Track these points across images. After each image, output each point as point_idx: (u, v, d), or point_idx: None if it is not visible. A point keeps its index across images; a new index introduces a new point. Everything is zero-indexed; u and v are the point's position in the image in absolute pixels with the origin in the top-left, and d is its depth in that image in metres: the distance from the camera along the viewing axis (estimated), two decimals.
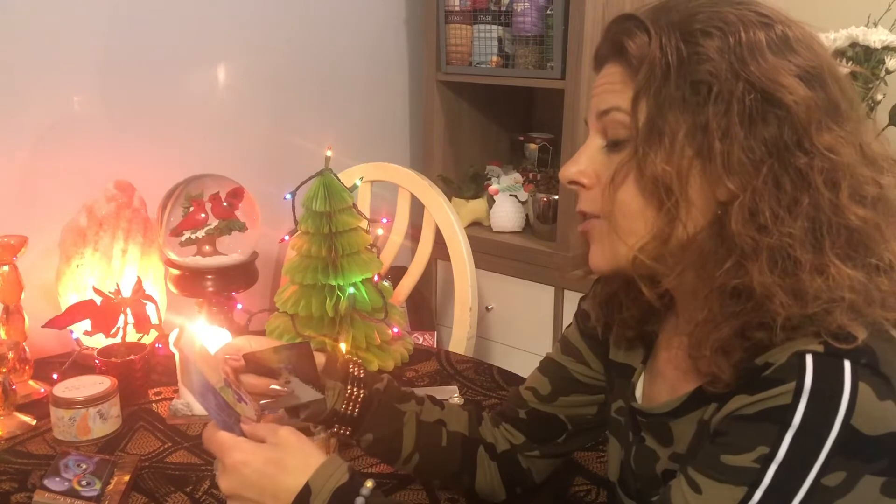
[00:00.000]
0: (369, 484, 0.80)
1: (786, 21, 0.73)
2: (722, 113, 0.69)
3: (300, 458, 0.80)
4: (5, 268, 1.41)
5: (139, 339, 1.48)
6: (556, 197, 2.17)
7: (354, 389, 0.97)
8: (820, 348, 0.66)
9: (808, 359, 0.66)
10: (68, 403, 1.22)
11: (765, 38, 0.70)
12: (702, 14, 0.72)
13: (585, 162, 0.78)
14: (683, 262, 0.73)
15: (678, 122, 0.71)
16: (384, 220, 1.70)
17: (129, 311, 1.48)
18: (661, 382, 0.85)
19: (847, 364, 0.65)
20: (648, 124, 0.72)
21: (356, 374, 0.99)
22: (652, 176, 0.71)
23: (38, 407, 1.32)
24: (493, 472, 1.02)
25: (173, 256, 1.62)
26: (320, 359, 0.98)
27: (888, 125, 1.79)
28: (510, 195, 2.31)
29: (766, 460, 0.66)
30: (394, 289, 1.66)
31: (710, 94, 0.70)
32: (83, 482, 1.05)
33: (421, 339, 2.08)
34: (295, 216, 1.50)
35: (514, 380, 1.46)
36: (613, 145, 0.76)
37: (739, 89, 0.69)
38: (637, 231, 0.74)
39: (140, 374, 1.39)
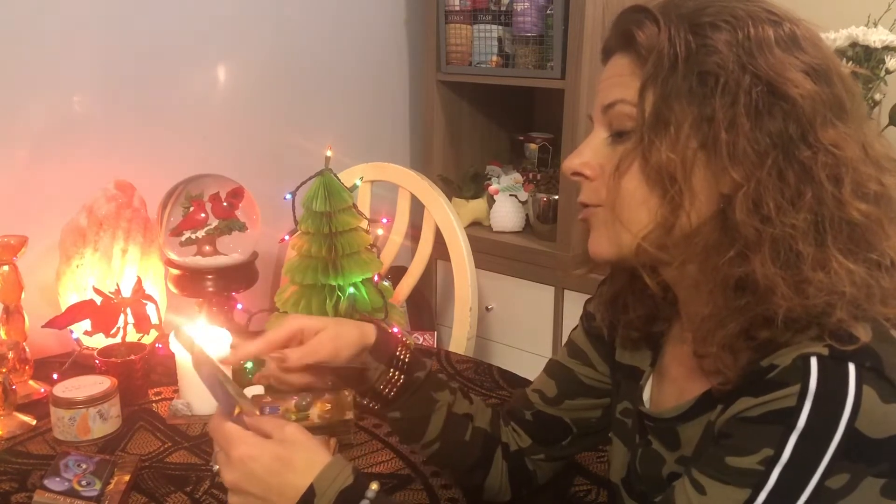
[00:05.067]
0: (374, 486, 0.80)
1: (794, 19, 0.73)
2: (728, 104, 0.69)
3: (307, 456, 0.80)
4: (5, 268, 1.40)
5: (139, 339, 1.48)
6: (556, 197, 2.17)
7: (396, 373, 0.97)
8: (824, 351, 0.66)
9: (813, 361, 0.66)
10: (68, 403, 1.21)
11: (773, 34, 0.71)
12: (711, 8, 0.72)
13: (589, 154, 0.78)
14: (686, 253, 0.74)
15: (684, 112, 0.71)
16: (384, 220, 1.70)
17: (129, 311, 1.48)
18: (669, 385, 0.85)
19: (851, 367, 0.65)
20: (655, 114, 0.72)
21: (402, 357, 0.97)
22: (656, 164, 0.71)
23: (38, 407, 1.32)
24: (503, 472, 1.02)
25: (173, 256, 1.62)
26: (370, 339, 0.96)
27: (888, 125, 1.79)
28: (510, 195, 2.31)
29: (771, 462, 0.66)
30: (394, 289, 1.66)
31: (716, 86, 0.70)
32: (83, 482, 1.05)
33: (421, 339, 2.08)
34: (295, 216, 1.50)
35: (514, 380, 1.46)
36: (618, 136, 0.76)
37: (746, 82, 0.69)
38: (640, 220, 0.74)
39: (140, 374, 1.39)
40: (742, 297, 0.70)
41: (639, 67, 0.74)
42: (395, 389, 0.97)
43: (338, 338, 0.93)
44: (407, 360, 0.97)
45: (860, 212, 0.69)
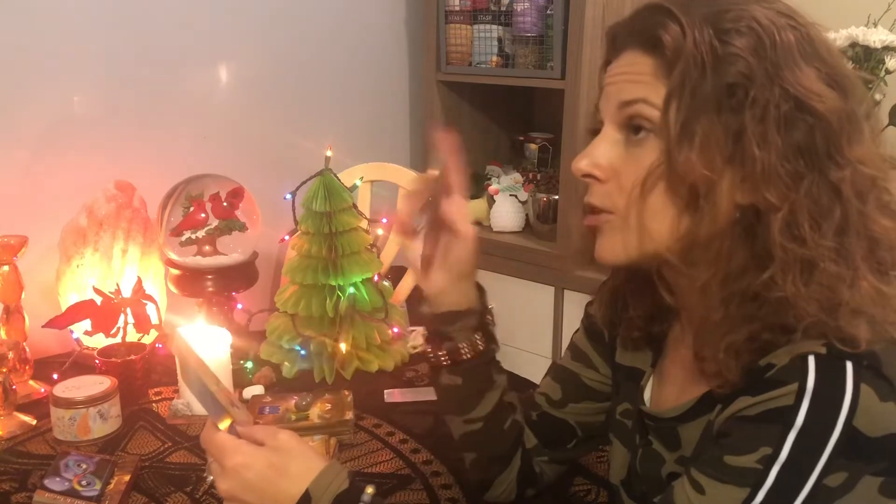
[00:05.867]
0: (370, 490, 0.80)
1: (807, 22, 0.73)
2: (758, 119, 0.68)
3: (302, 463, 0.80)
4: (5, 268, 1.41)
5: (139, 339, 1.48)
6: (556, 197, 2.16)
7: (480, 340, 0.97)
8: (822, 350, 0.66)
9: (811, 360, 0.66)
10: (68, 403, 1.21)
11: (795, 41, 0.70)
12: (731, 13, 0.71)
13: (600, 155, 0.76)
14: (702, 260, 0.73)
15: (713, 125, 0.69)
16: (384, 220, 1.70)
17: (129, 311, 1.48)
18: (670, 385, 0.85)
19: (849, 366, 0.66)
20: (682, 125, 0.70)
21: (490, 327, 0.98)
22: (683, 179, 0.70)
23: (38, 407, 1.32)
24: (516, 470, 1.02)
25: (173, 256, 1.62)
26: (476, 301, 0.96)
27: (888, 125, 1.79)
28: (510, 195, 2.31)
29: (769, 461, 0.66)
30: (394, 289, 1.66)
31: (746, 98, 0.69)
32: (83, 482, 1.05)
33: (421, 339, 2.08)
34: (295, 216, 1.51)
35: (514, 380, 1.45)
36: (633, 134, 0.74)
37: (775, 96, 0.68)
38: (662, 230, 0.73)
39: (140, 374, 1.39)
40: (757, 307, 0.70)
41: (661, 69, 0.72)
42: (472, 353, 0.96)
43: (474, 244, 0.92)
44: (492, 331, 0.98)
45: (882, 227, 0.70)
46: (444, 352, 0.96)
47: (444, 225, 0.91)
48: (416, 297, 2.17)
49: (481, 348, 0.96)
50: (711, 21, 0.70)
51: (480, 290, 0.98)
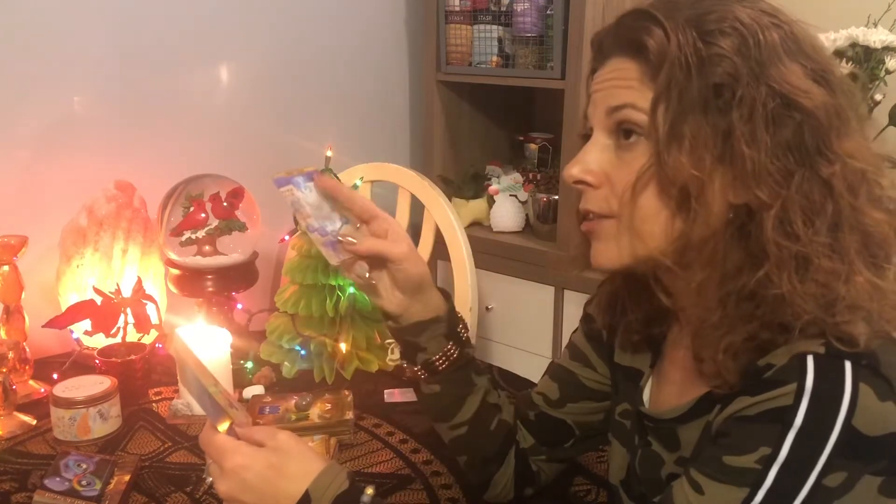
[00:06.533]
0: (370, 491, 0.80)
1: (790, 20, 0.73)
2: (746, 118, 0.69)
3: (301, 463, 0.80)
4: (5, 268, 1.41)
5: (139, 339, 1.48)
6: (556, 197, 2.17)
7: (453, 348, 0.96)
8: (821, 349, 0.67)
9: (809, 360, 0.66)
10: (68, 403, 1.21)
11: (779, 39, 0.70)
12: (714, 14, 0.71)
13: (591, 160, 0.77)
14: (697, 261, 0.73)
15: (701, 126, 0.70)
16: None
17: (129, 311, 1.48)
18: (669, 386, 0.85)
19: (848, 365, 0.66)
20: (670, 128, 0.70)
21: (462, 334, 0.97)
22: (673, 180, 0.71)
23: (38, 407, 1.32)
24: (511, 469, 1.02)
25: (173, 256, 1.62)
26: (441, 310, 0.95)
27: (888, 125, 1.79)
28: (510, 195, 2.31)
29: (768, 461, 0.66)
30: None
31: (733, 98, 0.69)
32: (83, 482, 1.05)
33: None
34: (295, 216, 1.50)
35: (514, 380, 1.46)
36: (624, 139, 0.75)
37: (762, 94, 0.68)
38: (655, 233, 0.74)
39: (140, 374, 1.39)
40: (755, 306, 0.70)
41: (647, 74, 0.72)
42: (447, 362, 0.96)
43: (413, 258, 0.91)
44: (464, 338, 0.97)
45: (875, 220, 0.70)
46: (419, 367, 0.97)
47: (376, 256, 0.91)
48: None
49: (455, 356, 0.96)
50: (695, 23, 0.71)
51: (445, 295, 0.97)
